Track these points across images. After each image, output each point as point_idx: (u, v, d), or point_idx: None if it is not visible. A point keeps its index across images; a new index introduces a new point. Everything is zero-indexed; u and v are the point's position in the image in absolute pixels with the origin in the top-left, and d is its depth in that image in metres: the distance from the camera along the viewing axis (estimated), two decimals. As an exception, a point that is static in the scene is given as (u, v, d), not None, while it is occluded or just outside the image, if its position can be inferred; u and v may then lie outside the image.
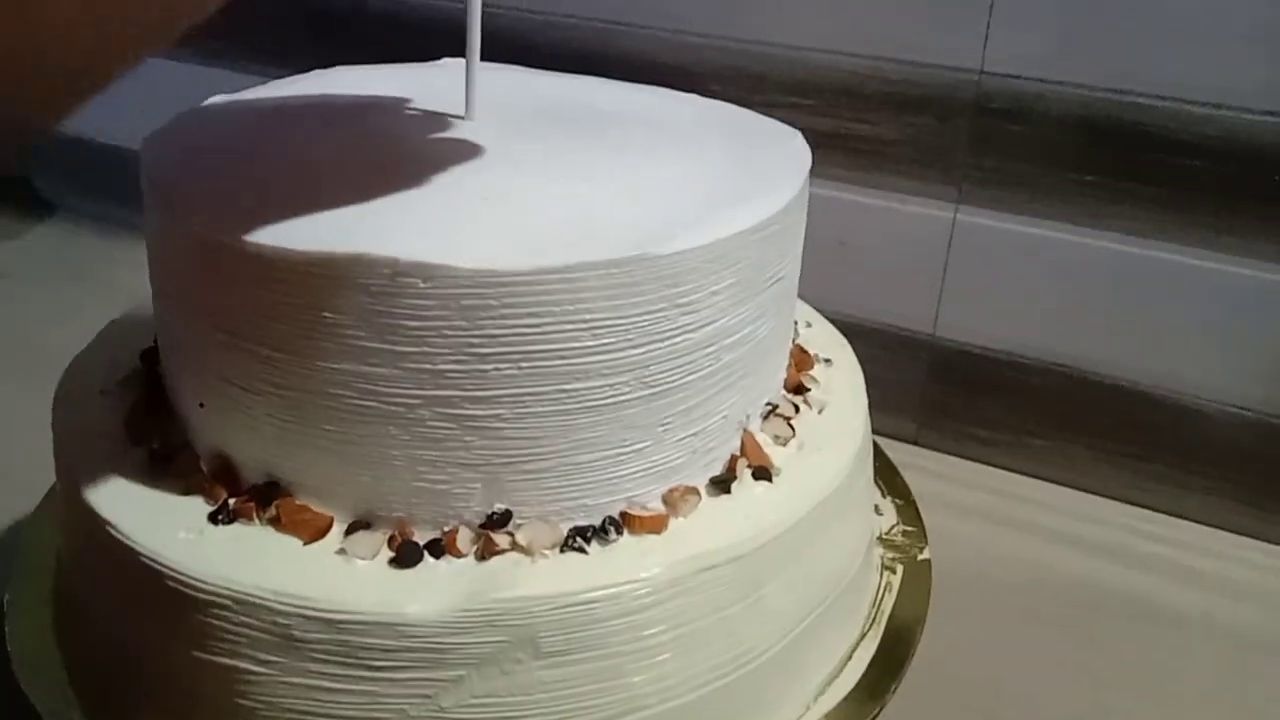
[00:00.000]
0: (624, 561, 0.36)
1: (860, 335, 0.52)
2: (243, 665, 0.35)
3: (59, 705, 0.40)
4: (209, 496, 0.37)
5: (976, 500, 0.65)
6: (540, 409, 0.35)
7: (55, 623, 0.43)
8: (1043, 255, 0.63)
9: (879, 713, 0.41)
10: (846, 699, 0.42)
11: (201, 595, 0.34)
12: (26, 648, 0.42)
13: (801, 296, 0.51)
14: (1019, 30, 0.59)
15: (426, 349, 0.33)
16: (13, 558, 0.47)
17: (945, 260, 0.66)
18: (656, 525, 0.37)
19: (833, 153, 0.65)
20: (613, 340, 0.35)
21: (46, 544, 0.46)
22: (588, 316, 0.34)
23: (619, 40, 0.69)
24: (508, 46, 0.61)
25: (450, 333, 0.33)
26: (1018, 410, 0.67)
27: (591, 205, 0.37)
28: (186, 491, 0.38)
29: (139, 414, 0.41)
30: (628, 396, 0.36)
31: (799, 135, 0.45)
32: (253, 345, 0.35)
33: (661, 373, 0.36)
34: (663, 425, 0.37)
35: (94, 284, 0.81)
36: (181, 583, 0.35)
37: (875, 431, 0.52)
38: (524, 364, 0.34)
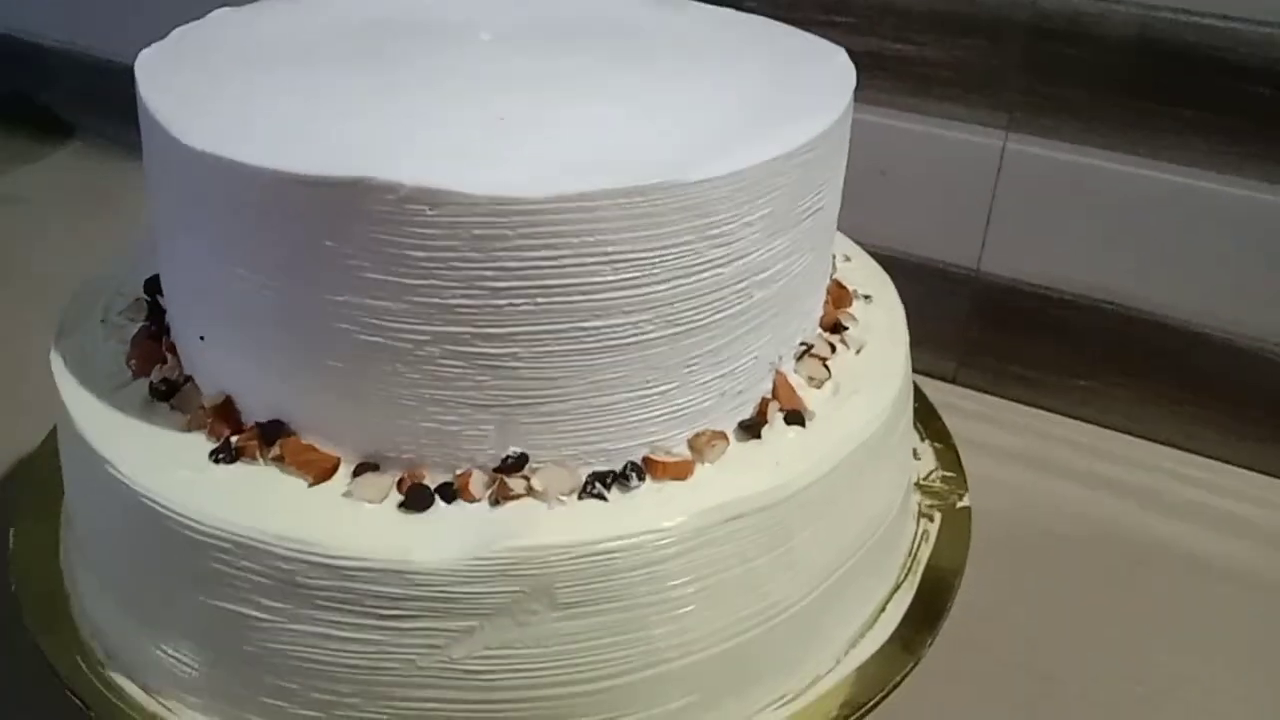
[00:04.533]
0: (646, 510, 0.34)
1: (900, 269, 0.49)
2: (245, 610, 0.33)
3: (63, 644, 0.39)
4: (211, 434, 0.36)
5: (1016, 443, 0.63)
6: (557, 347, 0.32)
7: (62, 559, 0.42)
8: (1095, 187, 0.60)
9: (914, 667, 0.39)
10: (879, 653, 0.40)
11: (202, 538, 0.33)
12: (32, 589, 0.41)
13: (839, 227, 0.48)
14: (1079, -56, 0.56)
15: (435, 282, 0.31)
16: (21, 492, 0.46)
17: (993, 191, 0.62)
18: (681, 472, 0.35)
19: (874, 75, 0.62)
20: (635, 275, 0.32)
21: (53, 480, 0.44)
22: (609, 249, 0.31)
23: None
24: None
25: (461, 265, 0.31)
26: (1063, 349, 0.64)
27: (615, 129, 0.35)
28: (188, 428, 0.36)
29: (140, 346, 0.39)
30: (651, 335, 0.33)
31: (842, 52, 0.41)
32: (251, 274, 0.33)
33: (688, 310, 0.34)
34: (688, 366, 0.35)
35: (112, 209, 0.80)
36: (181, 524, 0.33)
37: (914, 370, 0.50)
38: (540, 299, 0.31)
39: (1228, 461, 0.62)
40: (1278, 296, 0.58)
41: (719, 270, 0.34)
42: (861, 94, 0.61)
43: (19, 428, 0.52)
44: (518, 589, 0.32)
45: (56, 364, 0.39)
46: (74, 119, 0.97)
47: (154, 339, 0.39)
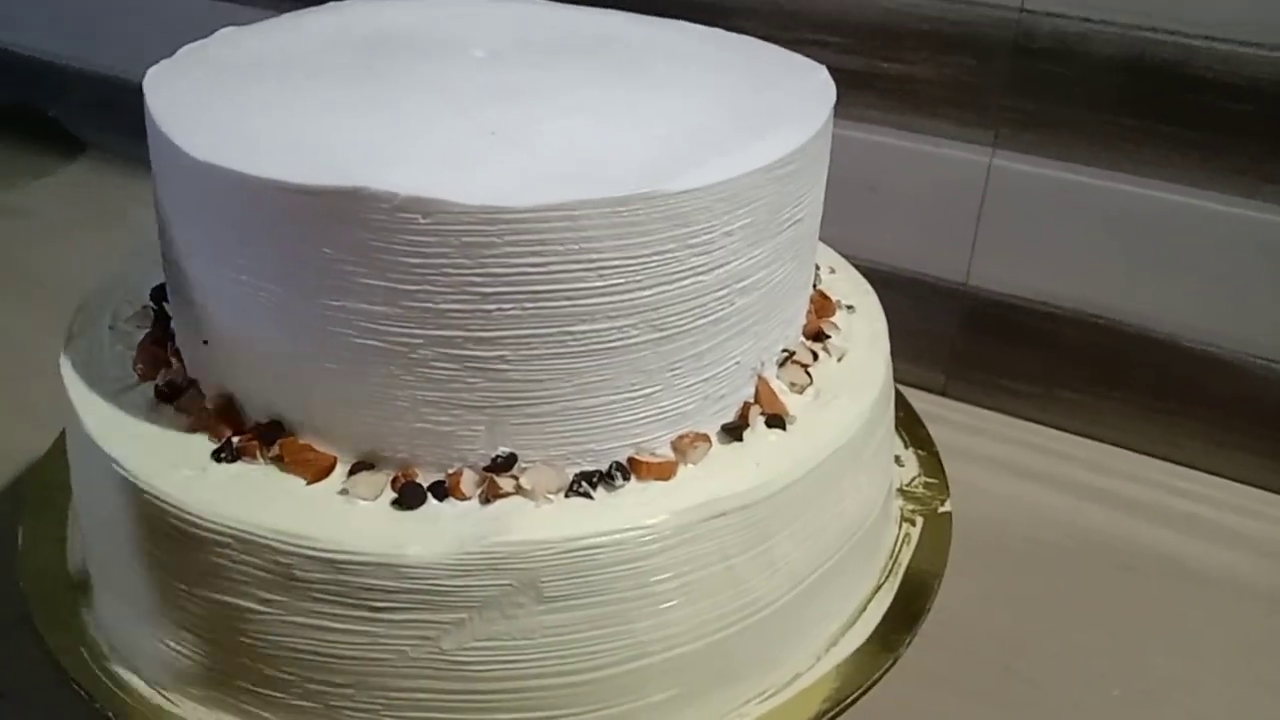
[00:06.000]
0: (630, 507, 0.35)
1: (891, 284, 0.50)
2: (244, 604, 0.35)
3: (69, 638, 0.40)
4: (213, 434, 0.37)
5: (1004, 453, 0.64)
6: (545, 350, 0.34)
7: (69, 557, 0.43)
8: (1081, 203, 0.61)
9: (891, 665, 0.40)
10: (858, 651, 0.41)
11: (203, 533, 0.34)
12: (39, 584, 0.42)
13: (829, 242, 0.50)
14: (1062, -35, 0.57)
15: (428, 287, 0.32)
16: (30, 492, 0.47)
17: (980, 207, 0.64)
18: (665, 472, 0.37)
19: (864, 93, 0.63)
20: (620, 281, 0.34)
21: (61, 482, 0.46)
22: (593, 256, 0.33)
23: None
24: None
25: (452, 271, 0.32)
26: (1050, 362, 0.66)
27: (601, 141, 0.36)
28: (191, 429, 0.37)
29: (146, 351, 0.41)
30: (636, 340, 0.35)
31: (823, 70, 0.43)
32: (252, 279, 0.34)
33: (671, 316, 0.35)
34: (672, 370, 0.36)
35: (120, 223, 0.81)
36: (184, 520, 0.34)
37: (903, 382, 0.51)
38: (528, 304, 0.33)
39: (1211, 472, 0.63)
40: (1260, 309, 0.59)
41: (701, 277, 0.35)
42: (851, 111, 0.63)
43: (29, 431, 0.53)
44: (506, 583, 0.33)
45: (66, 368, 0.40)
46: (85, 134, 0.99)
47: (159, 344, 0.41)
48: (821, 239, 0.47)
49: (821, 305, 0.45)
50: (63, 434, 0.49)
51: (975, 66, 0.61)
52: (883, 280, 0.50)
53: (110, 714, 0.37)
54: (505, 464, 0.36)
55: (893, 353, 0.45)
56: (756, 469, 0.37)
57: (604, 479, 0.36)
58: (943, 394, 0.69)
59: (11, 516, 0.45)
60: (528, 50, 0.43)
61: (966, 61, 0.61)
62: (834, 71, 0.43)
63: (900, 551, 0.45)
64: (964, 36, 0.60)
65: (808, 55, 0.45)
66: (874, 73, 0.63)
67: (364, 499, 0.35)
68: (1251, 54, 0.54)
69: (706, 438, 0.38)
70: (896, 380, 0.47)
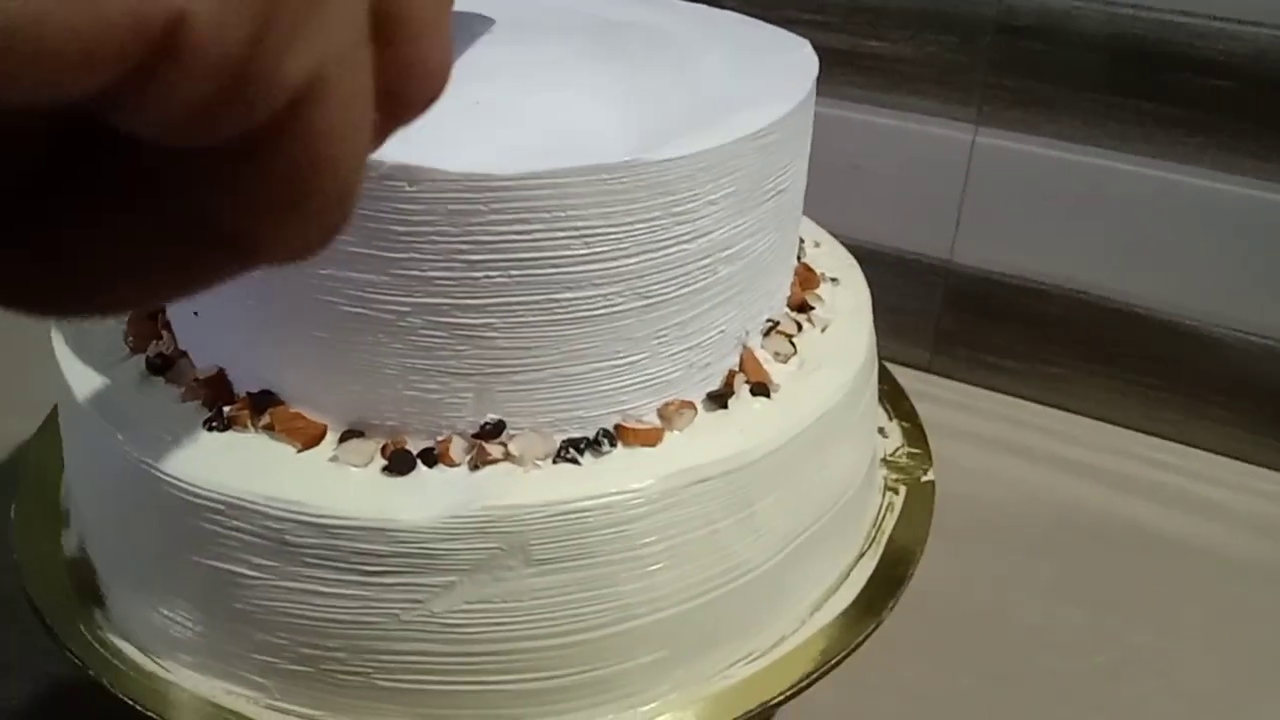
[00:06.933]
0: (616, 472, 0.36)
1: (875, 261, 0.51)
2: (237, 569, 0.35)
3: (63, 608, 0.40)
4: (204, 404, 0.37)
5: (987, 428, 0.65)
6: (531, 318, 0.34)
7: (61, 534, 0.44)
8: (1063, 179, 0.62)
9: (873, 630, 0.41)
10: (841, 616, 0.42)
11: (196, 500, 0.35)
12: (34, 557, 0.42)
13: (815, 220, 0.50)
14: (1043, -57, 0.58)
15: (415, 255, 0.33)
16: (20, 474, 0.47)
17: (963, 184, 0.64)
18: (651, 438, 0.37)
19: (849, 71, 0.64)
20: (605, 249, 0.34)
21: (52, 462, 0.46)
22: (578, 224, 0.33)
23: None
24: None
25: (438, 239, 0.33)
26: (1033, 338, 0.66)
27: (586, 112, 0.36)
28: (183, 400, 0.38)
29: (137, 323, 0.41)
30: (621, 307, 0.35)
31: (806, 44, 0.43)
32: (242, 251, 0.35)
33: (656, 284, 0.36)
34: (658, 338, 0.37)
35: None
36: (177, 488, 0.35)
37: (888, 358, 0.51)
38: (514, 271, 0.33)
39: (1192, 445, 0.64)
40: (1241, 284, 0.60)
41: (685, 246, 0.36)
42: (837, 90, 0.64)
43: (20, 412, 0.53)
44: (494, 546, 0.34)
45: (58, 341, 0.41)
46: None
47: (150, 317, 0.41)
48: (807, 216, 0.47)
49: (806, 277, 0.46)
50: (53, 413, 0.49)
51: (959, 44, 0.61)
52: (868, 257, 0.50)
53: (106, 681, 0.38)
54: (494, 431, 0.36)
55: (878, 329, 0.46)
56: (741, 436, 0.38)
57: (591, 445, 0.37)
58: (927, 370, 0.70)
59: (6, 493, 0.46)
60: (515, 28, 0.44)
61: (950, 39, 0.62)
62: (819, 50, 0.43)
63: (884, 520, 0.46)
64: (948, 15, 0.61)
65: (794, 33, 0.46)
66: (858, 51, 0.64)
67: (354, 465, 0.36)
68: (1230, 30, 0.55)
69: (692, 405, 0.38)
70: (882, 356, 0.47)
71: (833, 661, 0.40)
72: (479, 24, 0.43)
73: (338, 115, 0.13)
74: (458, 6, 0.45)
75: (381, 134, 0.15)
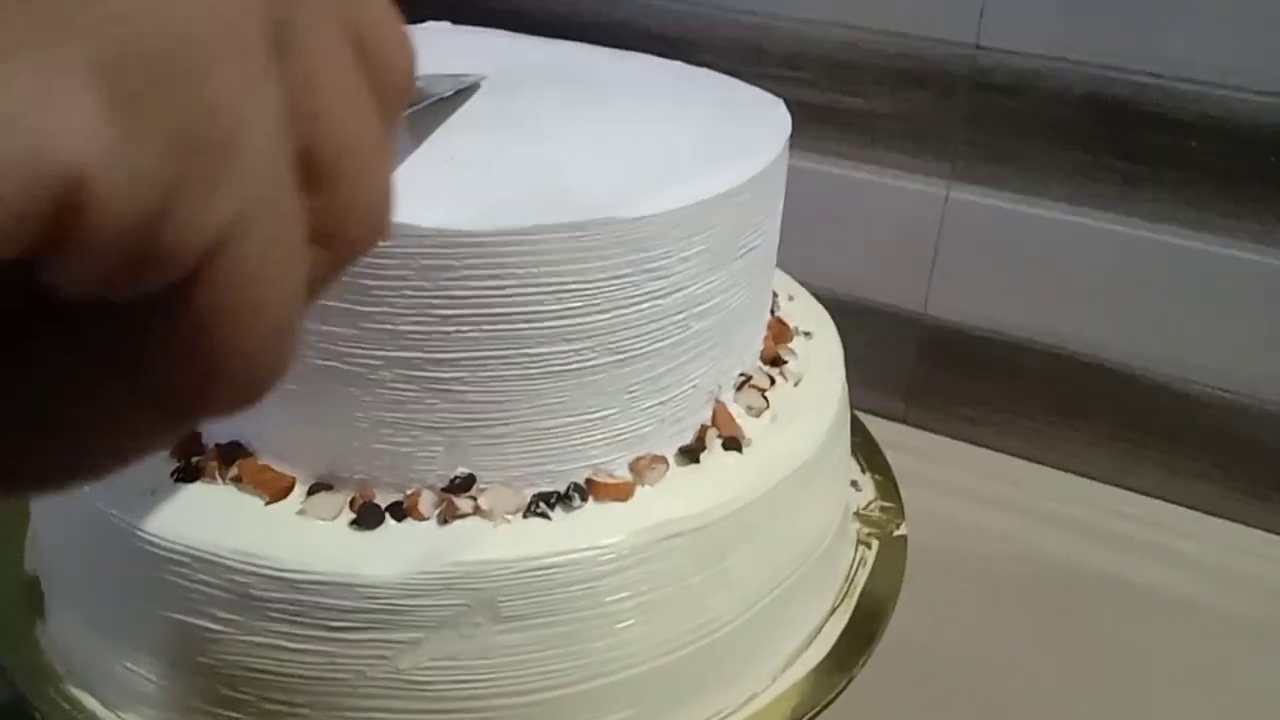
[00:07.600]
0: (587, 528, 0.36)
1: (850, 313, 0.51)
2: (202, 623, 0.35)
3: (24, 659, 0.40)
4: (173, 455, 0.37)
5: (962, 480, 0.65)
6: (502, 372, 0.34)
7: (26, 589, 0.43)
8: (1036, 235, 0.62)
9: (846, 686, 0.41)
10: (814, 671, 0.42)
11: (161, 552, 0.34)
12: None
13: (790, 271, 0.51)
14: (1017, 3, 0.59)
15: (387, 309, 0.33)
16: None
17: (937, 238, 0.65)
18: (622, 493, 0.37)
19: (824, 126, 0.65)
20: (577, 305, 0.34)
21: (19, 504, 0.45)
22: (551, 280, 0.33)
23: (610, 8, 0.68)
24: (499, 12, 0.61)
25: (410, 293, 0.33)
26: (1007, 391, 0.67)
27: (561, 168, 0.37)
28: (151, 450, 0.38)
29: (107, 372, 0.41)
30: (593, 362, 0.35)
31: (780, 103, 0.44)
32: (214, 302, 0.35)
33: (629, 339, 0.36)
34: (629, 393, 0.37)
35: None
36: (142, 540, 0.35)
37: (863, 409, 0.52)
38: (485, 326, 0.33)
39: (1167, 500, 0.64)
40: (1212, 340, 0.61)
41: (658, 302, 0.36)
42: (812, 144, 0.64)
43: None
44: (462, 602, 0.34)
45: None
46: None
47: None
48: (781, 268, 0.47)
49: (779, 331, 0.46)
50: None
51: (932, 100, 0.62)
52: (842, 309, 0.51)
53: (65, 736, 0.37)
54: (464, 485, 0.36)
55: (853, 380, 0.46)
56: (713, 490, 0.38)
57: (562, 500, 0.37)
58: (903, 421, 0.70)
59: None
60: (496, 82, 0.44)
61: (925, 96, 0.62)
62: (795, 105, 0.44)
63: (856, 574, 0.46)
64: (923, 72, 0.62)
65: (769, 89, 0.46)
66: (834, 106, 0.64)
67: (322, 519, 0.35)
68: (1198, 91, 0.56)
69: (664, 459, 0.38)
70: (857, 408, 0.48)
71: (805, 718, 0.39)
72: (466, 84, 0.43)
73: (258, 261, 0.13)
74: (445, 61, 0.45)
75: (329, 274, 0.15)
